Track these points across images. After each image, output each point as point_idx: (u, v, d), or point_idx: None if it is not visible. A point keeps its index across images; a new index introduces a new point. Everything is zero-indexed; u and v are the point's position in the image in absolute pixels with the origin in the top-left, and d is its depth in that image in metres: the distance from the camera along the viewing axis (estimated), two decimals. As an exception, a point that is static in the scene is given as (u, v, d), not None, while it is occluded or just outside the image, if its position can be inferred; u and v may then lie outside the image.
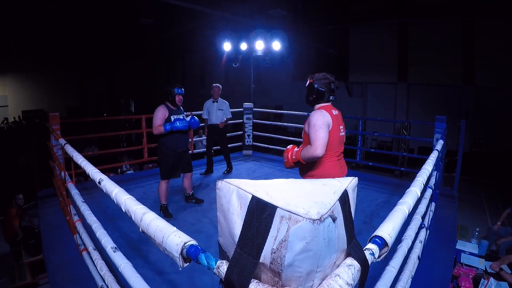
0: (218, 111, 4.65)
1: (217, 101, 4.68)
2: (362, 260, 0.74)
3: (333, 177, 0.92)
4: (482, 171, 8.75)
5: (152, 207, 0.99)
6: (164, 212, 3.31)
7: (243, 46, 5.86)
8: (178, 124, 3.10)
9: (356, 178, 0.87)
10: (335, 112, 2.10)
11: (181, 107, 3.35)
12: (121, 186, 1.26)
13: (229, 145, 4.98)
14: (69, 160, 2.16)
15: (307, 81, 2.12)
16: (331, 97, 2.10)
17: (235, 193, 0.77)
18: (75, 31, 12.03)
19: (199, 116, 4.15)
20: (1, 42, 11.62)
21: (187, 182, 3.59)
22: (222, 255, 0.90)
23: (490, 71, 8.58)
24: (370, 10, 9.06)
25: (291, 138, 6.10)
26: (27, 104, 15.86)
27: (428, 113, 8.82)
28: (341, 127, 2.13)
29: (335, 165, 2.11)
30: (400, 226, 0.99)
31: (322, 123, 1.96)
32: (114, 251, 1.54)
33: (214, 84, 4.75)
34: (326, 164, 2.08)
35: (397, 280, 1.58)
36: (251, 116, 5.93)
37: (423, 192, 1.60)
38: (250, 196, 0.71)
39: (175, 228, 0.85)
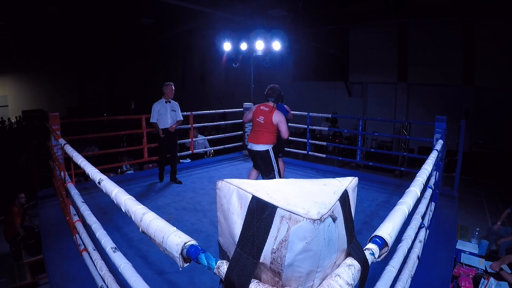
0: (171, 112, 4.25)
1: (169, 102, 4.26)
2: (362, 260, 0.74)
3: None
4: (482, 171, 8.72)
5: (152, 208, 0.98)
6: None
7: (243, 46, 5.86)
8: None
9: (356, 178, 0.87)
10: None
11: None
12: (121, 186, 1.26)
13: (229, 145, 4.84)
14: (69, 160, 2.16)
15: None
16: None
17: (235, 193, 0.77)
18: (75, 31, 12.02)
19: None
20: (1, 42, 11.62)
21: None
22: (222, 255, 0.90)
23: (490, 71, 8.55)
24: (370, 10, 9.05)
25: (291, 138, 6.09)
26: (27, 104, 15.88)
27: (428, 113, 8.81)
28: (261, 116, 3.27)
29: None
30: (400, 226, 0.99)
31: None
32: (114, 251, 1.54)
33: (167, 83, 4.30)
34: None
35: (397, 280, 1.58)
36: (251, 116, 5.91)
37: (423, 192, 1.60)
38: (250, 196, 0.71)
39: (175, 228, 0.85)
